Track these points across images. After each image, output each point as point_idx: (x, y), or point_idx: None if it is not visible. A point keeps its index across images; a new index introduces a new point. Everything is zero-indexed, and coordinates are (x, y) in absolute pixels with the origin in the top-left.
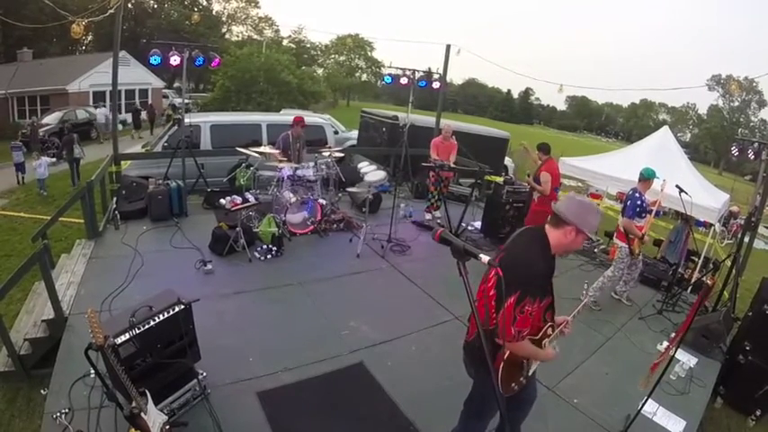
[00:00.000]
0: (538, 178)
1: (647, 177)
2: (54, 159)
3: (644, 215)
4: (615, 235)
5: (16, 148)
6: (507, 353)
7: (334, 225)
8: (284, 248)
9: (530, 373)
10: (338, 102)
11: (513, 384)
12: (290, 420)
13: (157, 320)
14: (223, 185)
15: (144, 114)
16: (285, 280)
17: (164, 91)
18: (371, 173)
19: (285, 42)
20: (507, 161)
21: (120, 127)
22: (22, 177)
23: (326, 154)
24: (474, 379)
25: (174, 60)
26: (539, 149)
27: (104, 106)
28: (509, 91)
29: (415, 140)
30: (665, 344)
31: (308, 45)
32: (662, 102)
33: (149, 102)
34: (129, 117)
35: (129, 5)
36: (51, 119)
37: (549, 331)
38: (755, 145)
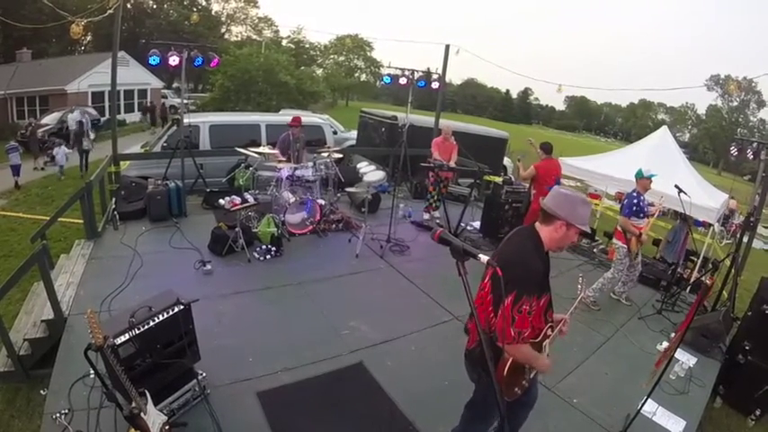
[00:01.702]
0: None
1: (637, 177)
2: (70, 151)
3: (642, 216)
4: (614, 235)
5: (12, 149)
6: (511, 359)
7: (334, 225)
8: (283, 249)
9: (531, 376)
10: (337, 102)
11: (516, 389)
12: (289, 420)
13: (157, 321)
14: (222, 186)
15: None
16: (284, 280)
17: (162, 91)
18: (370, 173)
19: (284, 43)
20: (506, 161)
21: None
22: (17, 181)
23: (325, 154)
24: (476, 384)
25: (173, 61)
26: (541, 148)
27: (78, 110)
28: (508, 91)
29: (414, 140)
30: (666, 344)
31: (308, 45)
32: (661, 102)
33: (152, 101)
34: (127, 117)
35: (129, 6)
36: (50, 119)
37: (549, 332)
38: (754, 145)
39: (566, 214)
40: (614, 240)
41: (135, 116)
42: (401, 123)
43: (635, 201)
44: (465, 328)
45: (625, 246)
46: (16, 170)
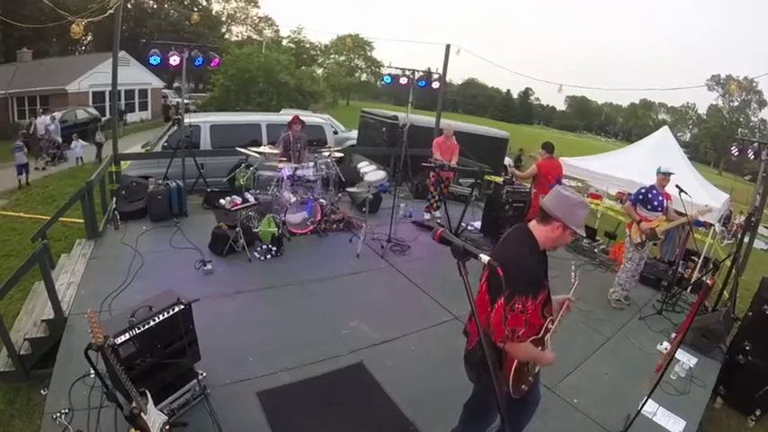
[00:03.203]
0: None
1: (656, 173)
2: (87, 143)
3: (650, 208)
4: (626, 225)
5: (18, 148)
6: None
7: (334, 225)
8: (284, 248)
9: (536, 371)
10: (338, 102)
11: (522, 386)
12: (289, 420)
13: (157, 320)
14: (223, 185)
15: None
16: (285, 280)
17: (163, 91)
18: (371, 173)
19: (285, 42)
20: (507, 161)
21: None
22: (26, 179)
23: (326, 154)
24: (476, 384)
25: (174, 60)
26: (542, 147)
27: (49, 115)
28: (509, 91)
29: (415, 140)
30: (666, 344)
31: (308, 45)
32: (662, 102)
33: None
34: (128, 117)
35: (129, 5)
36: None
37: (550, 325)
38: (755, 145)
39: (563, 216)
40: (627, 230)
41: (136, 116)
42: (402, 123)
43: (643, 190)
44: (464, 330)
45: (629, 233)
46: (20, 169)
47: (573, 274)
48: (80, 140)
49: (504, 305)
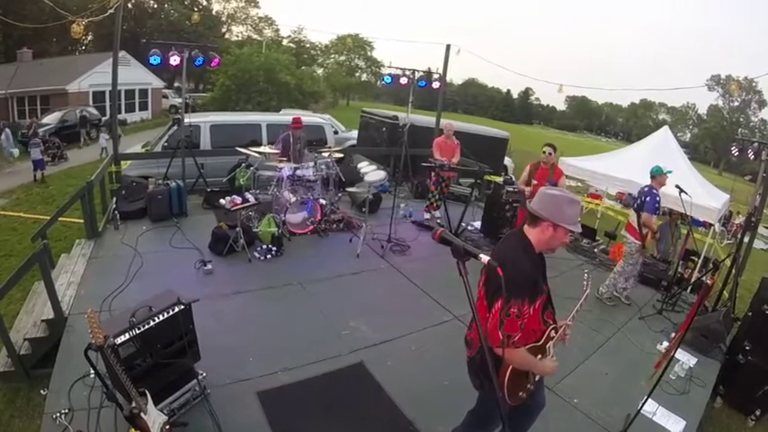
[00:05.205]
0: (555, 183)
1: (657, 174)
2: (108, 137)
3: (658, 213)
4: (625, 228)
5: (34, 145)
6: (510, 365)
7: (334, 225)
8: (284, 248)
9: (536, 379)
10: (338, 102)
11: (520, 393)
12: (289, 420)
13: (157, 321)
14: (223, 185)
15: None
16: (285, 280)
17: (164, 91)
18: (371, 173)
19: (285, 42)
20: (507, 161)
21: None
22: (42, 174)
23: (326, 154)
24: (480, 391)
25: (174, 60)
26: (554, 149)
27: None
28: (509, 91)
29: (415, 140)
30: (666, 344)
31: (308, 45)
32: (662, 102)
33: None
34: (128, 117)
35: (129, 5)
36: (51, 119)
37: (553, 333)
38: (755, 145)
39: (550, 215)
40: (625, 234)
41: (136, 116)
42: (402, 123)
43: (657, 198)
44: (465, 340)
45: (637, 242)
46: (40, 164)
47: (585, 282)
48: (103, 134)
49: (501, 309)
